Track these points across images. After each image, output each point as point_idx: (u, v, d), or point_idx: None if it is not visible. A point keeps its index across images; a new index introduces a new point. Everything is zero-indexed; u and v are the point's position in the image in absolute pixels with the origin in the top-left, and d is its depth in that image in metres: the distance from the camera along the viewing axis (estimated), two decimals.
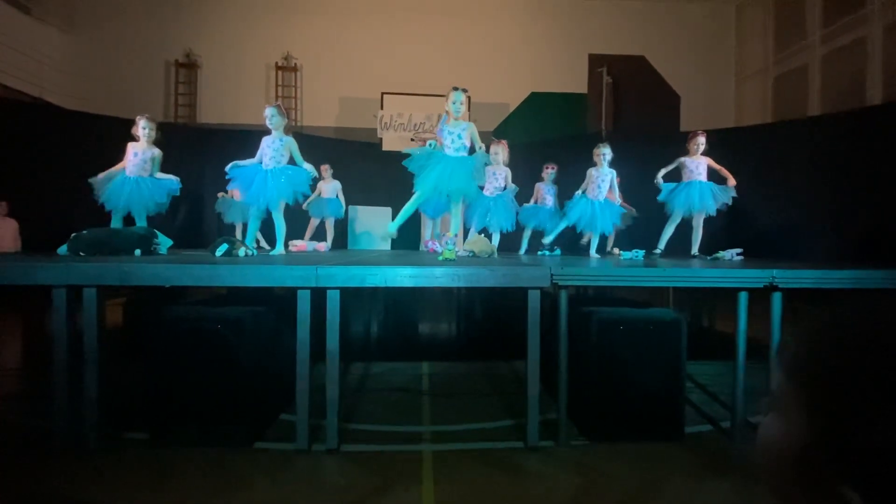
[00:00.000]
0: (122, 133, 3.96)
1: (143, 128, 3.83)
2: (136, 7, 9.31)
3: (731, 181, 4.14)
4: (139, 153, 3.82)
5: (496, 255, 4.09)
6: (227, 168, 3.58)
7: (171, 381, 2.29)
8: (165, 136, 4.23)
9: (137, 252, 3.15)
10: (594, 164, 4.24)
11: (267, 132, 3.59)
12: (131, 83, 8.98)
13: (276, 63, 9.37)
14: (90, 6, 9.29)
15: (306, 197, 4.73)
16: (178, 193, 4.00)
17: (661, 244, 4.33)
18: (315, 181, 4.58)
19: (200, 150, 6.03)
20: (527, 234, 5.04)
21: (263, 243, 4.85)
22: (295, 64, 9.40)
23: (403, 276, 2.27)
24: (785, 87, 8.81)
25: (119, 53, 9.15)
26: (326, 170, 5.70)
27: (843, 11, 7.58)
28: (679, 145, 4.53)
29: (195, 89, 9.32)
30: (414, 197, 3.39)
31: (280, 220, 3.61)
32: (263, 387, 2.46)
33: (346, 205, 6.10)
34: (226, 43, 9.33)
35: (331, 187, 5.75)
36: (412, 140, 7.61)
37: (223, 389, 2.29)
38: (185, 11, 9.35)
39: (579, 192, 4.27)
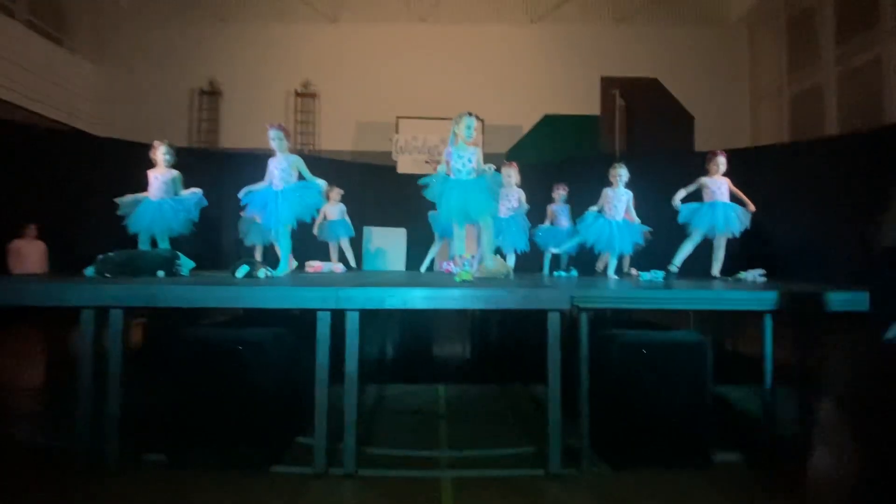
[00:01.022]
0: (146, 158, 4.09)
1: (163, 153, 3.95)
2: (164, 39, 9.77)
3: (751, 206, 4.08)
4: (159, 177, 3.94)
5: (512, 275, 4.08)
6: (241, 195, 3.66)
7: (188, 402, 2.30)
8: (188, 160, 4.36)
9: (161, 273, 3.22)
10: (609, 185, 4.23)
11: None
12: (157, 111, 9.35)
13: (296, 90, 9.68)
14: (120, 39, 9.78)
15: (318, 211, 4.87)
16: (206, 203, 4.10)
17: (678, 261, 4.24)
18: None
19: (221, 173, 6.20)
20: (548, 257, 5.04)
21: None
22: (314, 91, 9.70)
23: (422, 298, 2.27)
24: (801, 106, 8.77)
25: (146, 83, 9.56)
26: (338, 193, 5.78)
27: (855, 31, 7.59)
28: (694, 165, 4.50)
29: (217, 115, 9.65)
30: (456, 232, 3.48)
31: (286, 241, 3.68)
32: (281, 409, 2.45)
33: (361, 226, 6.18)
34: (248, 72, 9.69)
35: (337, 210, 5.82)
36: (426, 162, 7.73)
37: (241, 412, 2.29)
38: (210, 43, 9.77)
39: (594, 208, 4.26)
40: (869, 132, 5.49)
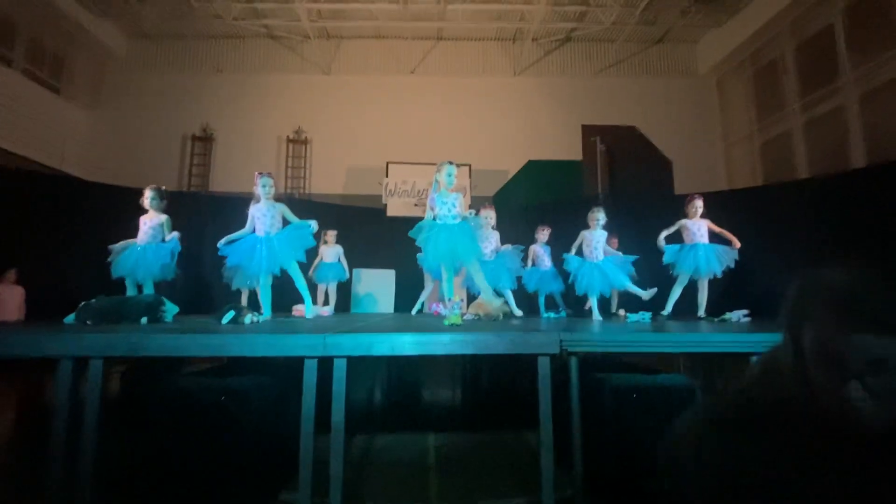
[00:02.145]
0: (135, 202, 4.11)
1: (150, 198, 3.97)
2: (159, 87, 10.05)
3: (736, 243, 4.22)
4: (147, 222, 3.96)
5: (501, 317, 4.08)
6: (220, 244, 3.67)
7: (167, 455, 2.21)
8: (177, 204, 4.38)
9: (144, 320, 3.16)
10: (587, 227, 4.38)
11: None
12: (149, 155, 9.47)
13: (288, 136, 9.92)
14: (116, 86, 10.03)
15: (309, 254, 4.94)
16: (179, 248, 4.07)
17: (669, 306, 4.32)
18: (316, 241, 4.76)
19: (211, 216, 6.23)
20: (542, 298, 5.10)
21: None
22: (305, 137, 9.95)
23: (411, 344, 2.26)
24: (771, 151, 9.23)
25: (139, 128, 9.73)
26: (333, 235, 5.86)
27: (817, 83, 8.13)
28: (675, 207, 4.67)
29: (209, 160, 9.79)
30: (444, 275, 3.54)
31: (301, 279, 3.71)
32: (264, 462, 2.36)
33: (350, 268, 6.20)
34: (241, 118, 9.95)
35: (333, 252, 5.87)
36: (416, 205, 7.85)
37: (221, 465, 2.20)
38: (205, 90, 10.06)
39: (572, 252, 4.39)
40: (836, 176, 5.77)
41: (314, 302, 5.67)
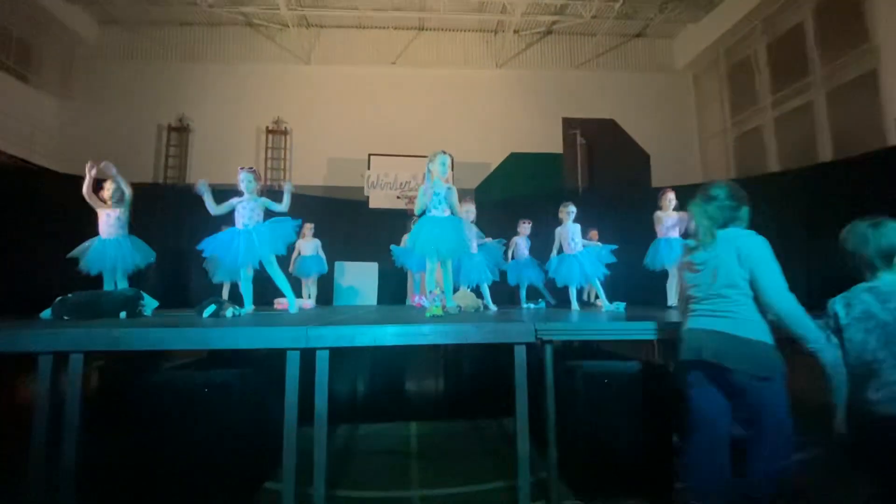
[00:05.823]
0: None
1: (114, 191, 3.89)
2: (132, 76, 9.75)
3: None
4: (111, 214, 3.86)
5: (482, 308, 4.16)
6: (201, 246, 3.62)
7: (149, 449, 2.22)
8: (153, 196, 4.29)
9: (122, 314, 3.13)
10: (560, 223, 4.47)
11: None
12: (124, 147, 9.19)
13: (267, 127, 9.76)
14: (88, 75, 9.69)
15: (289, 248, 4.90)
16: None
17: (672, 299, 4.42)
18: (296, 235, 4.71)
19: (187, 208, 6.13)
20: (523, 289, 5.20)
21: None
22: (285, 128, 9.81)
23: (392, 335, 2.31)
24: (744, 146, 9.51)
25: (112, 118, 9.44)
26: (310, 229, 5.85)
27: (788, 80, 8.40)
28: (652, 200, 4.80)
29: (185, 151, 9.58)
30: (428, 267, 3.55)
31: (279, 273, 3.68)
32: (248, 453, 2.39)
33: (332, 260, 6.20)
34: (218, 109, 9.73)
35: (311, 245, 5.87)
36: (398, 198, 7.87)
37: (206, 457, 2.23)
38: (180, 80, 9.81)
39: (553, 253, 4.48)
40: (805, 169, 6.01)
41: (297, 296, 5.66)
